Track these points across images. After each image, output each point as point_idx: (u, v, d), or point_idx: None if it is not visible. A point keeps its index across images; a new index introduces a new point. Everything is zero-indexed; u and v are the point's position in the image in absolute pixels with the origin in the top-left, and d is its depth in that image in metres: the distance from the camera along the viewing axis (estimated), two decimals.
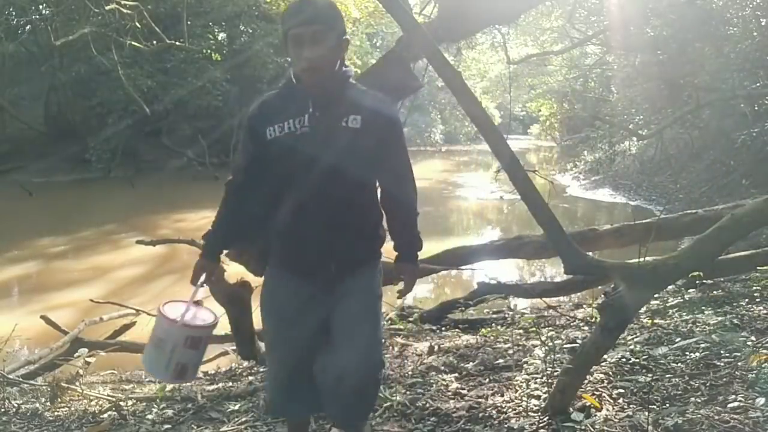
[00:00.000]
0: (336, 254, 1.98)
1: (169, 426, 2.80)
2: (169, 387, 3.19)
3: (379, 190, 2.05)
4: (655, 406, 2.42)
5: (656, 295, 3.99)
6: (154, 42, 9.72)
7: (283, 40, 1.89)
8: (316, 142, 1.86)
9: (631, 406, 2.47)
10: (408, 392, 2.93)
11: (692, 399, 2.47)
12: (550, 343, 2.98)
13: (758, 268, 4.14)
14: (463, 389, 2.94)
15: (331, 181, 1.89)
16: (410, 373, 3.27)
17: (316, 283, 2.00)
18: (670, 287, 4.02)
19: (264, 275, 2.15)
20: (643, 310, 3.74)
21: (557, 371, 2.71)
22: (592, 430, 2.27)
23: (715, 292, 4.27)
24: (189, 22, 14.86)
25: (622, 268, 2.37)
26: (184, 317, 2.02)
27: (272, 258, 2.09)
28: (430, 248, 5.80)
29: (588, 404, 2.42)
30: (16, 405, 3.18)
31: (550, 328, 4.03)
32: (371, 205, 2.03)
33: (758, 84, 9.41)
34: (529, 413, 2.53)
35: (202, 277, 2.07)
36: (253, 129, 1.94)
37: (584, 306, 4.77)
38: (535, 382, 2.89)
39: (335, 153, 1.86)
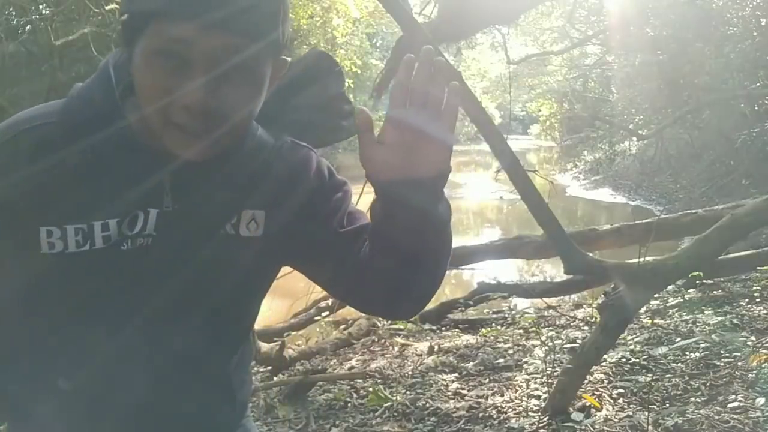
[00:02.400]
0: None
1: None
2: None
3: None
4: (655, 406, 2.42)
5: (656, 295, 3.99)
6: None
7: (127, 29, 0.74)
8: (164, 269, 0.82)
9: (631, 406, 2.47)
10: (408, 392, 2.93)
11: (692, 399, 2.47)
12: (550, 343, 2.98)
13: (758, 268, 4.14)
14: (463, 389, 2.94)
15: (175, 340, 0.85)
16: (410, 373, 3.27)
17: None
18: (670, 287, 4.02)
19: None
20: (643, 310, 3.74)
21: (557, 371, 2.71)
22: (592, 430, 2.28)
23: (715, 292, 4.27)
24: None
25: (622, 268, 2.38)
26: None
27: None
28: None
29: (588, 404, 2.42)
30: None
31: (550, 328, 4.03)
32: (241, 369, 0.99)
33: (758, 84, 9.40)
34: (529, 413, 2.53)
35: None
36: (7, 218, 0.78)
37: (584, 306, 4.76)
38: (535, 382, 2.89)
39: (201, 291, 0.84)
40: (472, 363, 3.33)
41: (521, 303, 5.22)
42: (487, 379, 3.06)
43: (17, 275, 0.81)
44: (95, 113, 0.78)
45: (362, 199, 4.30)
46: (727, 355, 2.89)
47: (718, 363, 2.82)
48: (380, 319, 4.27)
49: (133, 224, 0.79)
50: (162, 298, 0.82)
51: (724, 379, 2.63)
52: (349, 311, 4.88)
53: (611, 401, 2.54)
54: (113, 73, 0.80)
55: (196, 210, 0.82)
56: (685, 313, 3.78)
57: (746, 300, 3.94)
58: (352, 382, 3.20)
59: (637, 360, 2.93)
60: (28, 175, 0.76)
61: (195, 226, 0.82)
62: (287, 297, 4.21)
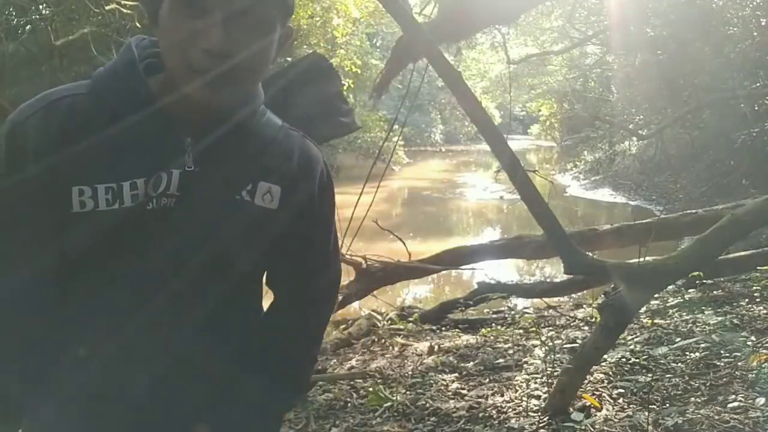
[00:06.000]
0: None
1: None
2: None
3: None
4: (655, 406, 2.42)
5: (656, 295, 3.99)
6: None
7: None
8: (185, 229, 0.87)
9: (631, 406, 2.47)
10: (408, 392, 2.93)
11: (692, 399, 2.47)
12: (550, 343, 2.98)
13: (758, 268, 4.15)
14: (463, 389, 2.94)
15: (197, 304, 0.90)
16: (410, 373, 3.27)
17: None
18: (670, 287, 4.02)
19: None
20: (643, 310, 3.74)
21: (557, 371, 2.71)
22: (592, 430, 2.27)
23: (715, 292, 4.27)
24: None
25: (622, 268, 2.37)
26: None
27: None
28: (430, 248, 5.82)
29: (588, 404, 2.42)
30: None
31: (550, 328, 4.03)
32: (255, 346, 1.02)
33: (758, 84, 9.40)
34: (529, 413, 2.53)
35: None
36: (42, 179, 0.82)
37: (584, 306, 4.77)
38: (535, 382, 2.89)
39: (219, 255, 0.89)
40: (472, 363, 3.33)
41: (521, 303, 5.22)
42: (487, 379, 3.06)
43: (50, 237, 0.85)
44: (120, 83, 0.87)
45: (362, 199, 4.30)
46: (727, 355, 2.89)
47: (718, 363, 2.82)
48: (380, 318, 4.27)
49: (157, 184, 0.86)
50: (184, 260, 0.87)
51: (724, 379, 2.63)
52: (348, 311, 4.87)
53: (611, 401, 2.54)
54: (136, 51, 0.89)
55: (216, 172, 0.89)
56: (685, 313, 3.78)
57: (746, 300, 3.94)
58: (352, 382, 3.20)
59: (637, 360, 2.93)
60: (60, 139, 0.83)
61: (215, 187, 0.89)
62: None
